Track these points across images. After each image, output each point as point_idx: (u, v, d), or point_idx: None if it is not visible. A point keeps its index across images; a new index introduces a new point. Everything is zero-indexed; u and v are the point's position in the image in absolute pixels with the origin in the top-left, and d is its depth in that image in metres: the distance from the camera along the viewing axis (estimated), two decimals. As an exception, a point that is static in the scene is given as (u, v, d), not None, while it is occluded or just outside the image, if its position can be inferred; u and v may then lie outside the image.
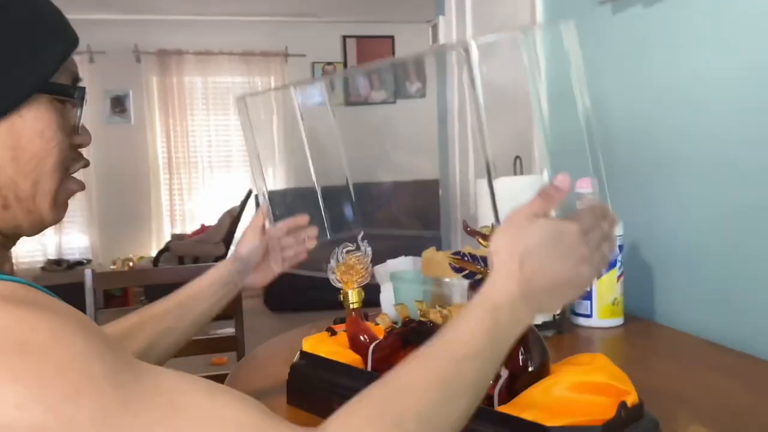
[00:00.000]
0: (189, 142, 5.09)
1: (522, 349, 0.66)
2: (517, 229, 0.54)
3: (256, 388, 0.91)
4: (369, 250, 0.87)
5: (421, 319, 0.77)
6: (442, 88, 2.12)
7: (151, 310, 0.84)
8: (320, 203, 1.04)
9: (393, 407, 0.48)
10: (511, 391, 0.65)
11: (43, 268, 4.58)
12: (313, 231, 0.97)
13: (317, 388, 0.78)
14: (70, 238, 4.87)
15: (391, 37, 5.38)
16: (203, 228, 4.77)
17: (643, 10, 1.21)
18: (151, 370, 0.45)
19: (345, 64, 5.41)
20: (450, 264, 0.68)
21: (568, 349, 1.04)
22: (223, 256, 4.19)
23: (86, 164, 0.61)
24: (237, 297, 1.80)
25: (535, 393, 0.63)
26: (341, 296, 0.85)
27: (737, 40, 1.02)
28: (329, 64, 5.35)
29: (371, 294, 1.01)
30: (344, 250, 0.88)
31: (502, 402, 0.65)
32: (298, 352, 0.84)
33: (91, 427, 0.40)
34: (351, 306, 0.85)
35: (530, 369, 0.65)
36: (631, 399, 0.61)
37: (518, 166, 1.20)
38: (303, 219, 0.98)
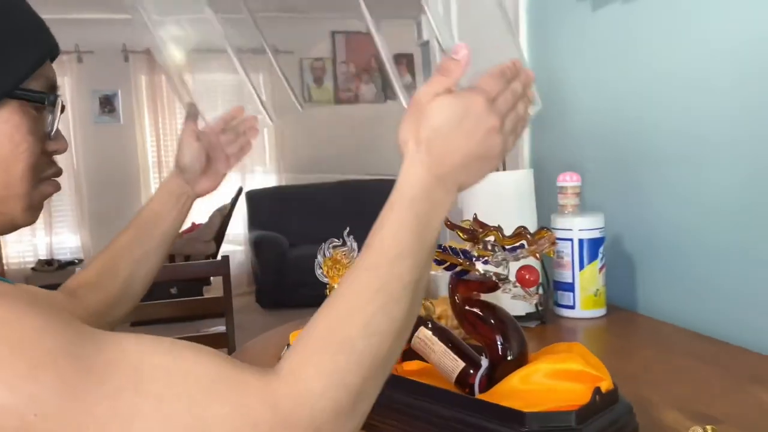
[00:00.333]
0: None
1: (501, 339, 0.68)
2: (419, 113, 0.52)
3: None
4: (355, 245, 0.89)
5: (405, 311, 0.79)
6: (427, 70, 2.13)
7: (116, 245, 0.85)
8: None
9: (339, 331, 0.48)
10: (491, 379, 0.67)
11: (33, 269, 4.57)
12: (252, 120, 0.94)
13: None
14: (61, 238, 4.86)
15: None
16: (194, 226, 4.77)
17: (622, 6, 1.23)
18: (112, 338, 0.45)
19: (334, 61, 5.42)
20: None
21: (551, 340, 1.06)
22: (214, 255, 4.20)
23: (57, 172, 0.62)
24: (227, 295, 1.81)
25: (514, 381, 0.65)
26: (327, 290, 0.87)
27: (716, 34, 1.04)
28: (318, 60, 5.35)
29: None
30: (331, 246, 0.90)
31: (482, 390, 0.67)
32: (286, 347, 0.86)
33: (55, 401, 0.41)
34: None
35: (509, 358, 0.67)
36: (606, 385, 0.63)
37: (501, 161, 1.22)
38: (237, 110, 0.94)
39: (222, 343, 1.56)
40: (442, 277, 1.12)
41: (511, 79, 0.55)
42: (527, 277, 0.67)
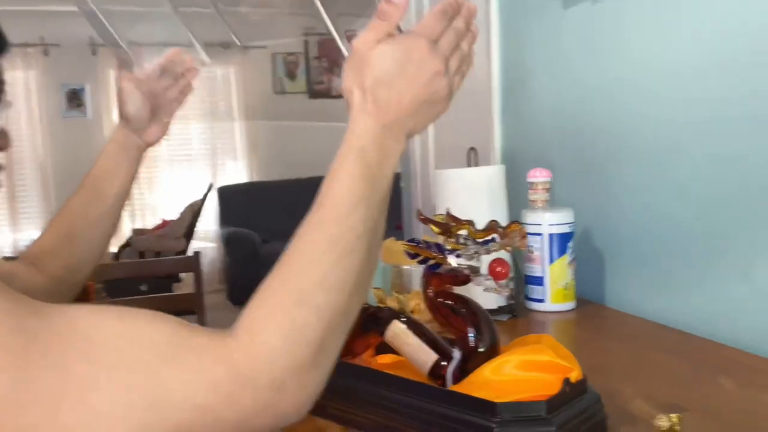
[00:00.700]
0: (148, 136, 5.01)
1: (474, 331, 0.69)
2: (360, 62, 0.51)
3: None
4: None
5: (379, 305, 0.79)
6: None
7: (69, 209, 0.83)
8: None
9: (295, 287, 0.47)
10: (464, 371, 0.68)
11: (-2, 266, 4.47)
12: (189, 61, 0.92)
13: None
14: (27, 235, 4.76)
15: (354, 30, 5.38)
16: (164, 223, 4.71)
17: (593, 5, 1.25)
18: (59, 309, 0.44)
19: (306, 56, 5.39)
20: (405, 251, 0.71)
21: (522, 333, 1.07)
22: (185, 252, 4.15)
23: None
24: (198, 292, 1.79)
25: (486, 372, 0.66)
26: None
27: (683, 31, 1.07)
28: (291, 54, 5.32)
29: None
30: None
31: (455, 382, 0.68)
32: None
33: (3, 379, 0.39)
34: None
35: (481, 350, 0.68)
36: (575, 375, 0.64)
37: (472, 157, 1.24)
38: (173, 53, 0.92)
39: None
40: (416, 272, 1.13)
41: (453, 16, 0.54)
42: (499, 269, 0.68)
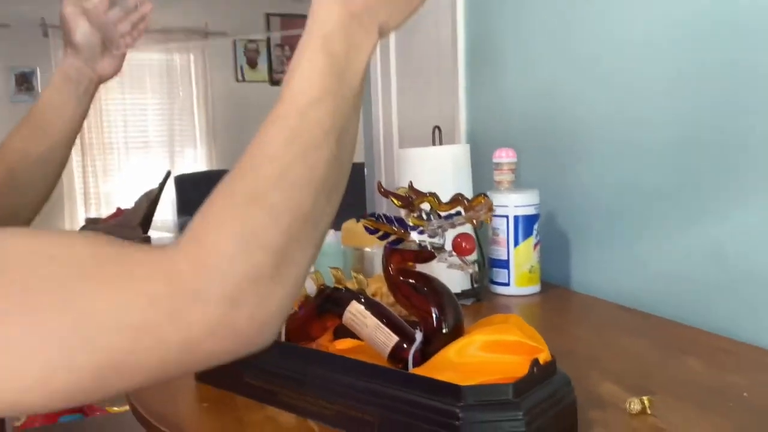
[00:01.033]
0: (103, 122, 4.85)
1: (437, 311, 0.65)
2: None
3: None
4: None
5: (337, 285, 0.74)
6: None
7: (9, 148, 0.76)
8: None
9: (248, 185, 0.41)
10: (425, 353, 0.64)
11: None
12: None
13: (228, 362, 0.74)
14: (-27, 224, 4.56)
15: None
16: (119, 211, 4.55)
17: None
18: None
19: (268, 43, 5.29)
20: (364, 226, 0.66)
21: (486, 317, 1.05)
22: (141, 242, 4.03)
23: None
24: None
25: (449, 354, 0.62)
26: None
27: (651, 10, 1.04)
28: (252, 41, 5.21)
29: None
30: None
31: (416, 365, 0.64)
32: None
33: None
34: (264, 276, 0.82)
35: (445, 331, 0.64)
36: (544, 356, 0.60)
37: (437, 136, 1.19)
38: None
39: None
40: (377, 254, 1.08)
41: None
42: (464, 245, 0.63)
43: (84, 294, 0.36)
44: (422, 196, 0.65)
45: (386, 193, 0.67)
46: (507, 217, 1.13)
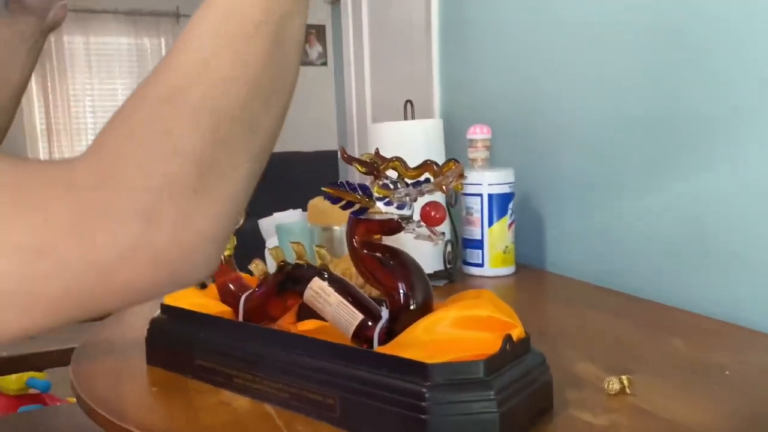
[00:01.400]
0: (71, 108, 4.71)
1: (404, 286, 0.60)
2: None
3: (115, 349, 0.81)
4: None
5: (298, 262, 0.70)
6: (338, 33, 2.04)
7: None
8: None
9: (163, 82, 0.35)
10: (392, 332, 0.59)
11: None
12: None
13: (179, 343, 0.69)
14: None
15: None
16: (88, 199, 4.45)
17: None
18: None
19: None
20: (325, 193, 0.61)
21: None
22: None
23: None
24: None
25: (417, 331, 0.57)
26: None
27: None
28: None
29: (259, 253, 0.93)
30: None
31: (382, 344, 0.59)
32: (159, 305, 0.74)
33: None
34: (221, 253, 0.77)
35: (412, 307, 0.59)
36: (517, 333, 0.56)
37: (409, 110, 1.15)
38: None
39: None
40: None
41: None
42: (433, 214, 0.59)
43: None
44: (387, 161, 0.60)
45: (349, 159, 0.62)
46: (481, 195, 1.09)
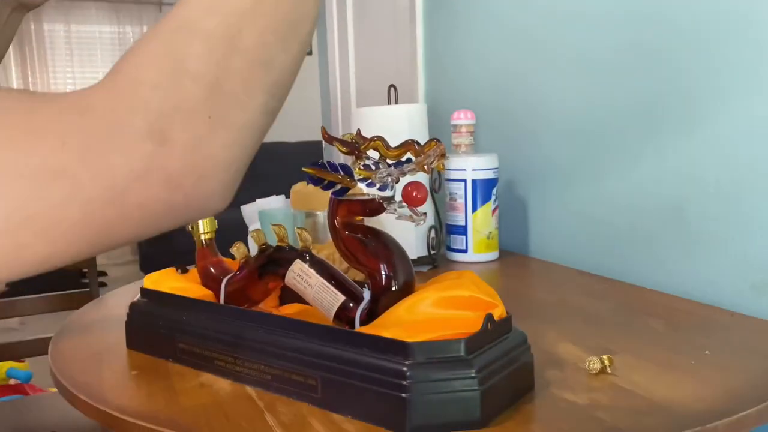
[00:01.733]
0: (52, 97, 4.66)
1: (386, 267, 0.60)
2: None
3: (94, 334, 0.80)
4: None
5: (279, 244, 0.69)
6: (322, 19, 2.03)
7: None
8: None
9: (178, 13, 0.35)
10: (373, 313, 0.59)
11: None
12: None
13: (159, 327, 0.68)
14: None
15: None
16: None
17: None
18: None
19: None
20: (306, 174, 0.60)
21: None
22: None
23: None
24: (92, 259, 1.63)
25: (399, 312, 0.57)
26: (190, 226, 0.76)
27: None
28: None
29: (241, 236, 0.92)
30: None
31: (363, 325, 0.59)
32: (139, 290, 0.74)
33: None
34: (202, 237, 0.76)
35: (394, 288, 0.59)
36: (499, 312, 0.56)
37: (393, 95, 1.14)
38: None
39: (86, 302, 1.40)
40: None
41: None
42: (415, 194, 0.58)
43: None
44: (369, 141, 0.60)
45: (330, 139, 0.61)
46: (465, 181, 1.09)
